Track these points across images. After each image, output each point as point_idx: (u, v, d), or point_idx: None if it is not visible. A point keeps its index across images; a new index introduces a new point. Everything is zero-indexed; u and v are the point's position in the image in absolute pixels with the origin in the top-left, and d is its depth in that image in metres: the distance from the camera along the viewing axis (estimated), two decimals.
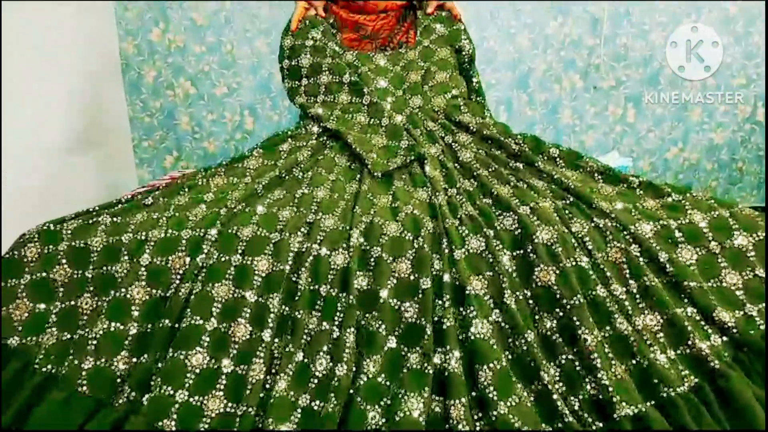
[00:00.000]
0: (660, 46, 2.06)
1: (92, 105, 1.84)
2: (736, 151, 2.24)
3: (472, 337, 0.82)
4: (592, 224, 0.92)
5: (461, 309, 0.85)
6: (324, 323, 0.85)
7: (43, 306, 0.89)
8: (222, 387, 0.81)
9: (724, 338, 0.83)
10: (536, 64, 2.15)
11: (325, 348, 0.83)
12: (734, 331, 0.82)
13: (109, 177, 1.97)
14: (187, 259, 0.90)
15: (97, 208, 0.99)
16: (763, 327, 0.82)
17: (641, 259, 0.88)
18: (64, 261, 0.91)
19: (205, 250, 0.90)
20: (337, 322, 0.85)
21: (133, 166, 2.16)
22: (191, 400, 0.80)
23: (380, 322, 0.85)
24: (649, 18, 2.09)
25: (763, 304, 0.85)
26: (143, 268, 0.89)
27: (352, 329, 0.84)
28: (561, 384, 0.80)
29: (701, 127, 2.20)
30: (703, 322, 0.84)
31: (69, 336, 0.87)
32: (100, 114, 1.90)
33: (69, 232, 0.93)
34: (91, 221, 0.95)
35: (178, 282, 0.89)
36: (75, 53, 1.77)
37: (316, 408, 0.79)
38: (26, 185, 1.49)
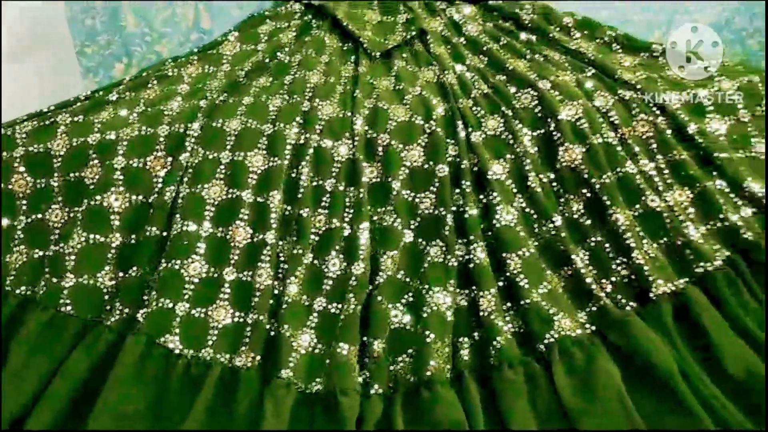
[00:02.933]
0: None
1: (24, 6, 1.59)
2: (719, 31, 2.16)
3: (497, 225, 0.76)
4: (617, 97, 0.84)
5: (481, 196, 0.78)
6: (333, 221, 0.77)
7: (5, 222, 0.77)
8: (226, 296, 0.73)
9: (754, 209, 0.79)
10: None
11: (336, 247, 0.76)
12: (765, 201, 0.78)
13: (54, 90, 1.75)
14: (169, 159, 0.79)
15: (52, 107, 0.85)
16: None
17: (669, 131, 0.82)
18: (22, 169, 0.78)
19: (189, 148, 0.79)
20: (347, 219, 0.77)
21: (78, 77, 1.94)
22: (194, 312, 0.72)
23: (395, 216, 0.77)
24: None
25: None
26: (118, 172, 0.77)
27: (365, 225, 0.76)
28: (591, 268, 0.76)
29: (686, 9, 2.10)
30: (732, 195, 0.80)
31: (41, 253, 0.76)
32: (35, 16, 1.65)
33: (24, 135, 0.80)
34: (47, 122, 0.81)
35: (161, 185, 0.78)
36: None
37: (333, 311, 0.72)
38: None
